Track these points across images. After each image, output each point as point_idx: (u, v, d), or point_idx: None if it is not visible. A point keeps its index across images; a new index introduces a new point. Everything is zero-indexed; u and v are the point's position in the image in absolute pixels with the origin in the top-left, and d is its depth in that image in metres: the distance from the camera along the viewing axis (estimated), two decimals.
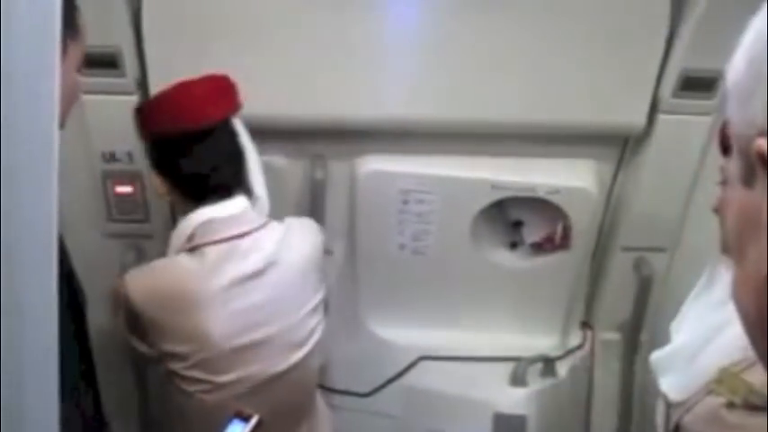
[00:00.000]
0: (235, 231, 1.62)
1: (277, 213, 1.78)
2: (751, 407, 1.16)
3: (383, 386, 2.23)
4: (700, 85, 1.91)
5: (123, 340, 1.72)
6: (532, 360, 2.12)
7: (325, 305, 1.83)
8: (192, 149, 1.61)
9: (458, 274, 2.15)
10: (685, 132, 2.00)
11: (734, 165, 0.50)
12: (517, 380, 2.08)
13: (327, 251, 1.99)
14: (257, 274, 1.62)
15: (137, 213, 2.05)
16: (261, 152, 1.81)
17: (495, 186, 2.00)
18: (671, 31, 1.86)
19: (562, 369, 2.19)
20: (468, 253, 2.11)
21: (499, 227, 2.14)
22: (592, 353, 2.35)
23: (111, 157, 1.93)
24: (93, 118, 1.89)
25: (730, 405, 1.29)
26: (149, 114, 1.64)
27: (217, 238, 1.60)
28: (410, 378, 2.22)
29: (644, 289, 2.19)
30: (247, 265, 1.61)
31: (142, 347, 1.67)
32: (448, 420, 2.11)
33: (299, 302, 1.70)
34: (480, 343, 2.20)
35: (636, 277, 2.20)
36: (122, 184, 1.98)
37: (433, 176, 2.01)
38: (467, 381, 2.13)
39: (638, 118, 1.97)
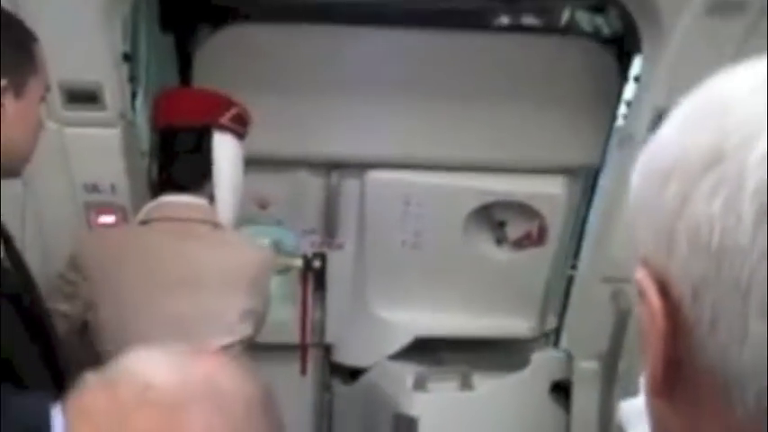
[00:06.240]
0: (180, 215, 1.81)
1: (296, 217, 2.37)
2: None
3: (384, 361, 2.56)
4: None
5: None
6: (444, 371, 2.45)
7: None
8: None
9: (451, 266, 2.48)
10: None
11: None
12: (417, 384, 2.38)
13: (339, 246, 2.48)
14: (186, 258, 1.76)
15: None
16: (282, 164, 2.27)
17: (482, 192, 2.37)
18: (620, 87, 2.19)
19: (483, 385, 2.46)
20: (460, 248, 2.44)
21: (486, 226, 2.47)
22: (570, 381, 2.38)
23: (94, 189, 1.97)
24: (75, 150, 1.92)
25: None
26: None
27: (161, 216, 1.80)
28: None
29: (622, 321, 2.20)
30: (182, 246, 1.77)
31: (64, 306, 1.73)
32: (378, 414, 2.49)
33: (216, 304, 1.77)
34: (469, 325, 2.53)
35: (614, 309, 2.21)
36: (105, 213, 2.01)
37: (431, 184, 2.37)
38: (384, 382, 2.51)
39: (594, 155, 2.30)
